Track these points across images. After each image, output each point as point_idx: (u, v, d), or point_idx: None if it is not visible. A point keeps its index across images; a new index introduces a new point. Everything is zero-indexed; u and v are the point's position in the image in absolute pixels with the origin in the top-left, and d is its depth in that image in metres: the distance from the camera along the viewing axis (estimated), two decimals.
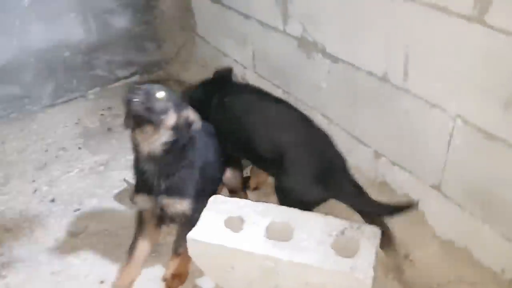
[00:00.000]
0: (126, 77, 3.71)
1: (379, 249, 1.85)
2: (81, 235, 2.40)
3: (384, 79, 1.95)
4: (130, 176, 2.59)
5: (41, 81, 3.35)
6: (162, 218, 2.19)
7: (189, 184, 2.09)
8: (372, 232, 1.83)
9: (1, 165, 2.91)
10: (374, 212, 2.02)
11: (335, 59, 2.18)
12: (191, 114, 2.06)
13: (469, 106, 1.66)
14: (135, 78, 3.71)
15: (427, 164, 1.93)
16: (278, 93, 2.60)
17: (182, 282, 2.10)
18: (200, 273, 2.08)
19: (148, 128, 1.93)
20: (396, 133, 2.02)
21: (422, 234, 2.05)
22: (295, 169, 2.09)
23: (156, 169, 2.03)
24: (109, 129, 3.23)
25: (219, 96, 2.35)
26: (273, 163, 2.16)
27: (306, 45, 2.33)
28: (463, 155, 1.75)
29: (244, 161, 2.56)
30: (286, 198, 2.12)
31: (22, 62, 3.21)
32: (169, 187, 2.05)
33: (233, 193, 2.53)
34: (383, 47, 1.90)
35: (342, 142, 2.30)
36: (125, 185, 2.63)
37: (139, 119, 1.91)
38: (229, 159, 2.43)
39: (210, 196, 2.03)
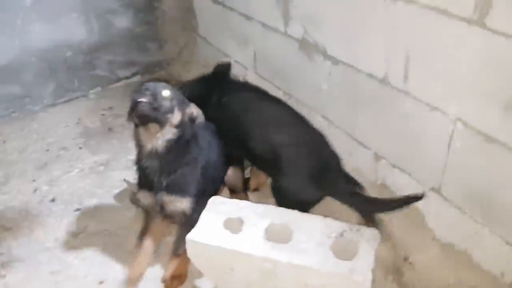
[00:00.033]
0: (127, 77, 3.71)
1: (379, 251, 1.85)
2: (81, 235, 2.40)
3: (384, 81, 1.95)
4: (130, 176, 2.60)
5: (43, 80, 3.36)
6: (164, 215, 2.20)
7: (190, 183, 2.10)
8: (372, 235, 1.82)
9: (1, 164, 2.91)
10: (369, 210, 2.02)
11: (335, 61, 2.18)
12: (194, 110, 2.08)
13: (469, 109, 1.65)
14: (137, 78, 3.72)
15: (427, 167, 1.93)
16: (279, 94, 2.60)
17: (181, 283, 2.10)
18: (200, 274, 2.08)
19: (153, 126, 1.95)
20: (396, 136, 2.01)
21: (422, 237, 2.05)
22: (290, 169, 2.10)
23: (158, 166, 2.03)
24: (109, 129, 3.23)
25: (218, 94, 2.35)
26: (270, 163, 2.17)
27: (307, 46, 2.32)
28: (463, 158, 1.75)
29: (245, 162, 2.57)
30: (282, 198, 2.13)
31: (24, 61, 3.22)
32: (169, 184, 2.06)
33: (234, 193, 2.53)
34: (384, 49, 1.89)
35: (342, 144, 2.31)
36: (125, 185, 2.62)
37: (145, 119, 1.93)
38: (231, 158, 2.43)
39: (211, 196, 2.04)
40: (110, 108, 3.45)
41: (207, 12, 3.25)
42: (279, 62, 2.61)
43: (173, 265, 2.11)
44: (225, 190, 2.56)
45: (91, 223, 2.47)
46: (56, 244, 2.35)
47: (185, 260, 2.05)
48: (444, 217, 1.93)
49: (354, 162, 2.30)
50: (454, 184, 1.84)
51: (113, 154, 2.98)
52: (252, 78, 2.88)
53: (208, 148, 2.21)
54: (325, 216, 1.93)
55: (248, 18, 2.71)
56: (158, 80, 2.09)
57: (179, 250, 2.08)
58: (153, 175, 2.06)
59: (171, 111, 1.96)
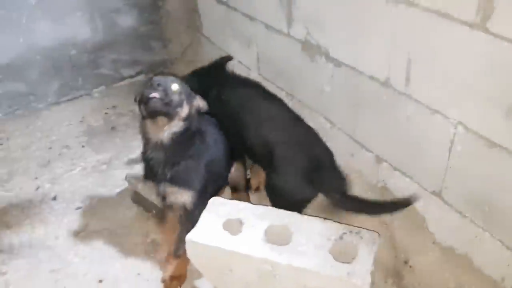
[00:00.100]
0: (131, 76, 3.73)
1: (379, 254, 1.84)
2: (82, 233, 2.42)
3: (386, 84, 1.94)
4: (131, 174, 2.60)
5: (47, 78, 3.38)
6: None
7: (194, 176, 2.11)
8: (371, 238, 1.82)
9: (5, 162, 2.93)
10: (358, 211, 2.02)
11: (338, 63, 2.17)
12: (200, 102, 2.11)
13: (470, 113, 1.64)
14: (141, 77, 3.73)
15: (428, 170, 1.91)
16: (281, 95, 2.60)
17: (181, 283, 2.11)
18: (199, 275, 2.09)
19: (161, 120, 1.97)
20: (398, 138, 2.00)
21: (423, 240, 2.04)
22: (283, 167, 2.12)
23: (163, 158, 2.05)
24: (112, 128, 3.24)
25: (217, 90, 2.36)
26: (266, 160, 2.18)
27: (309, 48, 2.32)
28: (464, 162, 1.74)
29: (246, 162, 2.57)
30: (275, 195, 2.16)
31: (29, 59, 3.24)
32: (173, 176, 2.07)
33: (235, 192, 2.53)
34: (386, 52, 1.89)
35: (344, 146, 2.31)
36: (126, 184, 2.63)
37: (156, 114, 1.95)
38: (233, 153, 2.44)
39: (214, 194, 2.04)
40: (114, 106, 3.46)
41: (211, 12, 3.25)
42: (282, 63, 2.60)
43: (172, 265, 2.11)
44: (226, 190, 2.56)
45: (92, 221, 2.49)
46: (56, 242, 2.37)
47: (185, 261, 2.06)
48: (444, 220, 1.92)
49: (356, 164, 2.30)
50: (455, 188, 1.83)
51: (115, 153, 3.00)
52: (255, 79, 2.88)
53: (214, 145, 2.22)
54: (325, 218, 1.93)
55: (252, 18, 2.71)
56: (166, 73, 2.10)
57: (179, 250, 2.09)
58: (158, 166, 2.08)
59: (180, 105, 1.98)
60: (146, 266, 2.22)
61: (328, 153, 2.18)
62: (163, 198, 2.16)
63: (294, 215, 1.93)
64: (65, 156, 2.99)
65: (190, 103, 2.04)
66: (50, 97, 3.44)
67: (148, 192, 2.46)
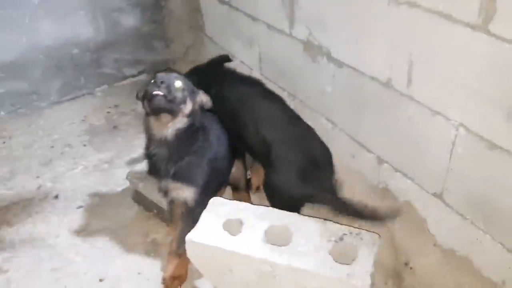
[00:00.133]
0: (133, 76, 3.74)
1: (379, 256, 1.84)
2: (83, 232, 2.42)
3: (387, 85, 1.94)
4: (132, 173, 2.60)
5: (49, 77, 3.39)
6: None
7: (197, 173, 2.11)
8: (371, 239, 1.82)
9: (7, 160, 2.94)
10: (341, 212, 2.00)
11: (340, 64, 2.17)
12: (204, 97, 2.11)
13: (472, 114, 1.63)
14: (143, 76, 3.75)
15: (429, 172, 1.91)
16: (283, 95, 2.60)
17: (181, 283, 2.11)
18: (199, 275, 2.09)
19: (165, 117, 1.98)
20: (399, 140, 2.00)
21: (423, 242, 2.03)
22: (280, 165, 2.13)
23: (166, 154, 2.05)
24: (114, 127, 3.25)
25: (218, 87, 2.36)
26: (264, 158, 2.21)
27: (311, 48, 2.31)
28: (465, 164, 1.73)
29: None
30: (272, 193, 2.17)
31: (31, 58, 3.25)
32: (176, 172, 2.07)
33: (236, 191, 2.54)
34: (387, 53, 1.88)
35: (345, 147, 2.30)
36: (128, 183, 2.64)
37: (159, 111, 1.95)
38: (234, 151, 2.44)
39: (215, 192, 2.04)
40: (116, 106, 3.47)
41: (213, 12, 3.25)
42: (283, 63, 2.60)
43: (173, 265, 2.11)
44: (227, 190, 2.56)
45: (93, 220, 2.49)
46: (58, 240, 2.38)
47: (185, 260, 2.06)
48: (445, 222, 1.91)
49: (357, 165, 2.29)
50: (456, 190, 1.82)
51: (117, 152, 3.01)
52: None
53: (217, 142, 2.23)
54: (326, 219, 1.93)
55: (254, 18, 2.71)
56: (169, 70, 2.10)
57: (179, 249, 2.09)
58: (161, 162, 2.08)
59: (183, 101, 1.99)
60: (147, 265, 2.23)
61: (326, 153, 2.20)
62: (165, 194, 2.16)
63: (294, 215, 1.93)
64: (67, 155, 3.00)
65: (193, 99, 2.05)
66: (52, 96, 3.46)
67: (149, 191, 2.47)
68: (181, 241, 1.97)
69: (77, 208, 2.58)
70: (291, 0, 2.32)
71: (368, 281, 1.65)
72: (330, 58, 2.22)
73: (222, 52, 3.13)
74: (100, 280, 2.16)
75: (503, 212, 1.66)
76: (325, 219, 1.92)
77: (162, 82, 1.92)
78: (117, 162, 2.92)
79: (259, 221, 1.89)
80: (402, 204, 2.09)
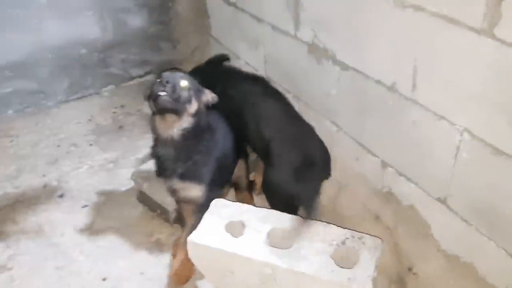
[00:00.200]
0: (140, 76, 3.76)
1: (382, 260, 1.83)
2: (87, 231, 2.44)
3: (392, 88, 1.92)
4: (137, 173, 2.62)
5: (57, 77, 3.42)
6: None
7: (205, 171, 2.11)
8: (374, 244, 1.81)
9: (14, 159, 2.97)
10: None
11: (344, 67, 2.16)
12: (209, 96, 2.10)
13: (476, 120, 1.62)
14: (149, 77, 3.75)
15: (433, 177, 1.89)
16: (288, 97, 2.59)
17: (191, 275, 2.11)
18: (201, 276, 2.10)
19: (171, 116, 1.97)
20: (403, 144, 1.98)
21: (427, 247, 2.01)
22: (277, 163, 2.16)
23: (173, 154, 2.04)
24: (120, 127, 3.27)
25: (223, 85, 2.36)
26: (265, 154, 2.24)
27: (316, 51, 2.31)
28: (469, 169, 1.71)
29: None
30: (269, 190, 2.19)
31: (39, 58, 3.28)
32: (184, 172, 2.07)
33: (238, 191, 2.55)
34: (392, 56, 1.87)
35: (349, 150, 2.29)
36: (132, 183, 2.65)
37: (164, 111, 1.95)
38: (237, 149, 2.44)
39: (223, 185, 2.07)
40: (122, 106, 3.49)
41: (220, 13, 3.25)
42: (288, 65, 2.60)
43: (182, 255, 2.11)
44: (231, 192, 2.57)
45: (97, 219, 2.51)
46: (62, 239, 2.39)
47: None
48: (449, 228, 1.90)
49: (361, 168, 2.28)
50: (460, 195, 1.80)
51: (122, 152, 3.02)
52: None
53: (223, 140, 2.23)
54: (328, 222, 1.92)
55: (259, 20, 2.71)
56: (174, 69, 2.09)
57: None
58: (168, 162, 2.08)
59: (189, 101, 1.98)
60: (150, 265, 2.24)
61: (323, 154, 2.21)
62: (173, 193, 2.16)
63: (297, 219, 1.92)
64: (73, 154, 3.02)
65: (199, 98, 2.04)
66: (59, 95, 3.48)
67: (153, 191, 2.47)
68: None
69: (82, 207, 2.60)
70: (296, 2, 2.32)
71: (369, 285, 1.65)
72: (335, 60, 2.21)
73: (227, 53, 3.13)
74: (103, 279, 2.17)
75: (507, 218, 1.64)
76: (327, 223, 1.91)
77: (167, 82, 1.91)
78: (122, 162, 2.93)
79: (262, 223, 1.89)
80: (406, 208, 2.08)
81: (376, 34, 1.92)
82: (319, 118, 2.44)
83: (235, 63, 3.11)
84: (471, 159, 1.69)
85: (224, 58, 2.81)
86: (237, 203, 2.02)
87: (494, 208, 1.67)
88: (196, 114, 2.02)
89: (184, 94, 1.95)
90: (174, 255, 2.25)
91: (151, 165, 2.27)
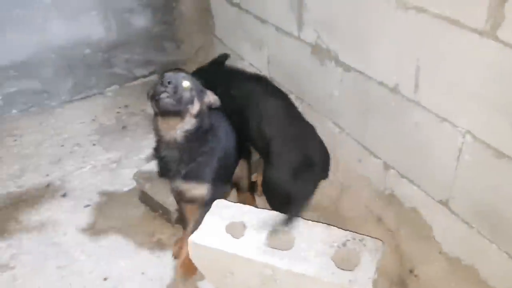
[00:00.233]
0: (144, 76, 3.76)
1: (384, 262, 1.82)
2: (89, 231, 2.44)
3: (395, 90, 1.92)
4: (139, 174, 2.62)
5: (61, 77, 3.43)
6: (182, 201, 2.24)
7: (208, 170, 2.11)
8: (375, 246, 1.80)
9: (17, 158, 2.98)
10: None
11: (347, 68, 2.16)
12: (211, 97, 2.10)
13: (479, 122, 1.61)
14: (153, 77, 3.76)
15: (435, 179, 1.88)
16: (291, 98, 2.59)
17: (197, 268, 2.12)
18: (202, 277, 2.10)
19: (173, 118, 1.97)
20: (406, 146, 1.98)
21: (429, 250, 2.01)
22: (276, 162, 2.17)
23: (177, 156, 2.04)
24: (124, 127, 3.27)
25: (225, 85, 2.37)
26: (265, 153, 2.25)
27: (319, 52, 2.31)
28: (472, 172, 1.71)
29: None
30: (267, 189, 2.19)
31: (43, 58, 3.29)
32: (188, 173, 2.07)
33: (239, 191, 2.55)
34: (395, 57, 1.86)
35: (352, 152, 2.29)
36: (135, 183, 2.65)
37: (166, 112, 1.95)
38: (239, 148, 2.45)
39: (226, 181, 2.10)
40: (126, 106, 3.50)
41: (223, 14, 3.25)
42: (291, 66, 2.59)
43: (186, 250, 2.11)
44: (232, 193, 2.56)
45: (99, 219, 2.52)
46: (64, 239, 2.40)
47: None
48: (451, 230, 1.89)
49: (363, 170, 2.28)
50: (462, 198, 1.79)
51: (125, 152, 3.03)
52: None
53: (225, 139, 2.23)
54: (329, 224, 1.91)
55: (263, 21, 2.71)
56: (177, 69, 2.09)
57: None
58: (171, 164, 2.07)
59: (191, 102, 1.97)
60: (151, 265, 2.24)
61: (323, 154, 2.21)
62: (178, 194, 2.17)
63: (298, 220, 1.92)
64: (76, 154, 3.03)
65: (201, 99, 2.03)
66: (63, 95, 3.49)
67: (155, 192, 2.48)
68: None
69: (85, 207, 2.60)
70: (300, 3, 2.32)
71: (370, 287, 1.64)
72: (338, 61, 2.20)
73: (231, 54, 3.13)
74: (105, 279, 2.18)
75: (509, 221, 1.63)
76: (329, 224, 1.90)
77: (169, 82, 1.90)
78: (125, 162, 2.94)
79: (263, 224, 1.88)
80: (408, 210, 2.07)
81: (379, 36, 1.92)
82: (322, 119, 2.44)
83: (238, 63, 3.12)
84: (473, 162, 1.69)
85: (226, 57, 2.82)
86: (239, 204, 2.02)
87: (496, 211, 1.66)
88: (199, 115, 2.01)
89: (186, 94, 1.95)
90: (175, 255, 2.26)
91: (153, 165, 2.27)
